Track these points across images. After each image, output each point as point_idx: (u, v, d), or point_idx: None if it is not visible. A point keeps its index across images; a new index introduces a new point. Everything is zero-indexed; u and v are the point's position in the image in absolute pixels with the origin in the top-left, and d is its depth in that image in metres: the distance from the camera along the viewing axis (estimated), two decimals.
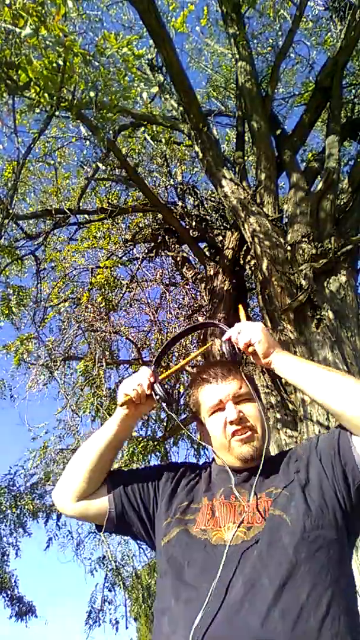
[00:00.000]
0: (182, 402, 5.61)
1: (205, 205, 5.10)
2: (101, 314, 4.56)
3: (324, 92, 3.97)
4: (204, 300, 4.27)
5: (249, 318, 1.22)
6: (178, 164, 5.57)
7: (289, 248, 3.26)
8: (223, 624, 0.81)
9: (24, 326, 5.24)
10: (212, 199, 5.13)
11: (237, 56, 3.88)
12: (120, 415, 1.12)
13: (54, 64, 2.32)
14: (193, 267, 4.86)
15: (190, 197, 5.16)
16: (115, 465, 1.28)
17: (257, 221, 3.38)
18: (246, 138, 4.53)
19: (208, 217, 4.96)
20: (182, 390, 5.57)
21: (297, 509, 0.93)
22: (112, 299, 4.70)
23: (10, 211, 3.83)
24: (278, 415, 3.02)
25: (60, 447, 5.29)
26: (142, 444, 5.15)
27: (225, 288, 4.09)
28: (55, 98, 2.51)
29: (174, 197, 5.28)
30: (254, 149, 3.97)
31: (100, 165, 4.28)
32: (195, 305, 4.42)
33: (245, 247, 4.20)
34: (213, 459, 1.19)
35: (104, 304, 4.59)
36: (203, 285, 4.40)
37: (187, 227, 4.72)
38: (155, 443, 5.32)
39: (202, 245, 4.92)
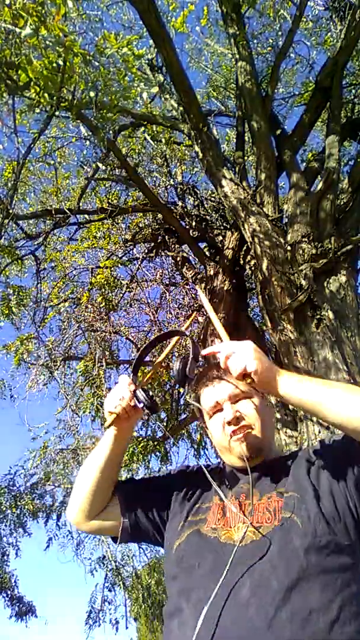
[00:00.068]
0: (181, 401, 5.62)
1: (205, 205, 5.10)
2: (101, 314, 4.56)
3: (324, 92, 3.97)
4: None
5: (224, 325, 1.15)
6: (178, 164, 5.57)
7: (289, 248, 3.25)
8: (230, 625, 0.81)
9: (24, 326, 5.25)
10: (212, 199, 5.13)
11: (237, 56, 3.88)
12: (112, 435, 1.10)
13: (54, 64, 2.32)
14: (193, 267, 4.86)
15: (190, 197, 5.17)
16: None
17: (257, 221, 3.38)
18: (246, 138, 4.53)
19: (208, 217, 4.96)
20: (182, 391, 5.57)
21: (308, 512, 0.92)
22: (112, 299, 4.71)
23: (10, 211, 3.83)
24: (278, 415, 3.02)
25: (60, 447, 5.30)
26: (142, 444, 5.15)
27: (225, 288, 4.09)
28: (55, 98, 2.51)
29: (174, 197, 5.28)
30: (254, 149, 3.97)
31: (100, 165, 4.28)
32: (195, 305, 4.42)
33: (245, 247, 4.20)
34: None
35: (104, 304, 4.60)
36: (203, 285, 4.40)
37: (187, 227, 4.72)
38: (155, 443, 5.32)
39: (202, 245, 4.92)
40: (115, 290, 4.80)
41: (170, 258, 5.06)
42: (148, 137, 5.17)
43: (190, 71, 7.45)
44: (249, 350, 0.96)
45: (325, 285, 3.12)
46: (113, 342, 4.96)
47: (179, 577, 0.96)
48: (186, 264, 4.86)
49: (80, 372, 4.84)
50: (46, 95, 2.43)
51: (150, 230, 5.00)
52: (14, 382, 5.70)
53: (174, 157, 5.50)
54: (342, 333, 2.89)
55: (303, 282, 3.01)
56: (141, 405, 1.07)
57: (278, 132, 4.24)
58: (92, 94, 2.56)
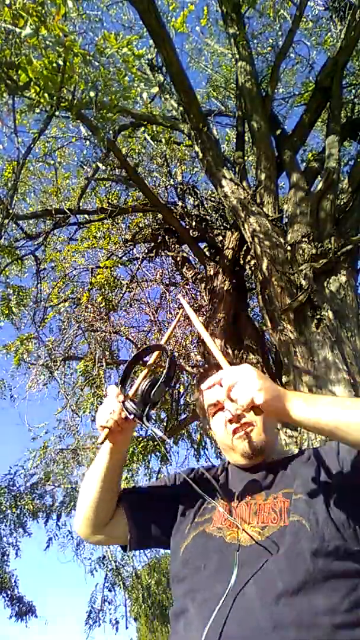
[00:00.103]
0: (182, 402, 5.62)
1: (205, 205, 5.10)
2: (101, 314, 4.56)
3: (324, 92, 3.97)
4: (204, 300, 4.27)
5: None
6: (178, 164, 5.57)
7: (289, 248, 3.25)
8: (235, 625, 0.81)
9: (24, 326, 5.25)
10: (212, 199, 5.13)
11: (237, 56, 3.88)
12: (107, 449, 1.08)
13: (54, 64, 2.32)
14: (193, 267, 4.86)
15: (190, 197, 5.16)
16: None
17: (257, 221, 3.38)
18: (246, 138, 4.53)
19: (208, 217, 4.96)
20: (182, 390, 5.58)
21: (317, 516, 0.91)
22: (112, 299, 4.71)
23: (10, 211, 3.83)
24: None
25: (60, 447, 5.30)
26: (142, 444, 5.15)
27: (225, 288, 4.09)
28: (55, 98, 2.51)
29: (174, 197, 5.28)
30: (254, 149, 3.97)
31: (100, 165, 4.28)
32: (195, 305, 4.42)
33: (245, 247, 4.20)
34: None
35: (104, 304, 4.60)
36: (203, 285, 4.40)
37: (187, 227, 4.72)
38: (155, 443, 5.32)
39: (202, 245, 4.92)
40: (115, 290, 4.80)
41: (170, 258, 5.06)
42: (148, 137, 5.17)
43: (190, 71, 7.47)
44: (252, 380, 0.87)
45: (325, 285, 3.12)
46: (113, 342, 4.96)
47: (186, 579, 0.96)
48: (186, 264, 4.86)
49: (80, 372, 4.84)
50: (46, 95, 2.43)
51: (150, 230, 5.00)
52: (14, 382, 5.71)
53: (174, 157, 5.49)
54: (342, 333, 2.89)
55: (303, 282, 3.01)
56: (131, 416, 1.03)
57: (278, 132, 4.24)
58: (92, 94, 2.56)
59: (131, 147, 5.37)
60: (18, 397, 5.55)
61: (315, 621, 0.78)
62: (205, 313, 4.15)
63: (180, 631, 0.89)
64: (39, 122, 3.66)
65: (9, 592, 7.22)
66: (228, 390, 0.89)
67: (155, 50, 4.04)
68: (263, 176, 3.64)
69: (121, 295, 4.83)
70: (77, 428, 4.89)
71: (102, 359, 4.57)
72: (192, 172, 5.72)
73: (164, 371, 1.05)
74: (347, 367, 2.72)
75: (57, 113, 3.08)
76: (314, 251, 3.14)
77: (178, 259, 4.86)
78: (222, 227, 4.81)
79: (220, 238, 4.72)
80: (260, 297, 3.37)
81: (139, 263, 4.93)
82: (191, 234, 4.64)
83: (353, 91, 5.03)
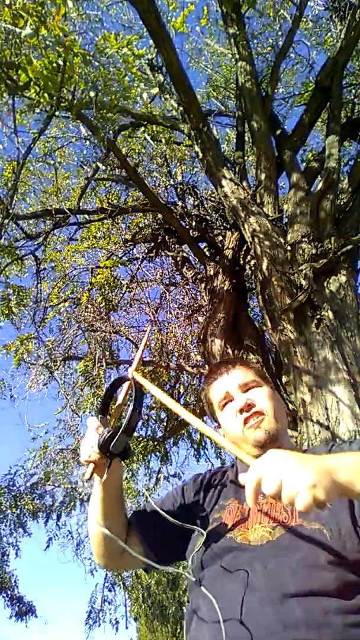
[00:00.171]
0: (182, 402, 5.61)
1: (205, 205, 5.10)
2: (101, 314, 4.56)
3: (324, 92, 3.97)
4: (204, 300, 4.27)
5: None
6: (178, 164, 5.57)
7: (289, 248, 3.25)
8: (246, 625, 0.81)
9: (24, 326, 5.25)
10: (212, 199, 5.13)
11: (237, 56, 3.88)
12: (99, 482, 1.05)
13: (54, 64, 2.32)
14: (193, 267, 4.86)
15: (190, 197, 5.16)
16: None
17: (257, 221, 3.38)
18: (246, 138, 4.53)
19: (208, 217, 4.96)
20: (182, 390, 5.58)
21: (339, 526, 0.88)
22: (112, 299, 4.71)
23: (10, 211, 3.83)
24: None
25: (60, 447, 5.30)
26: (142, 444, 5.15)
27: (225, 288, 4.09)
28: (55, 98, 2.51)
29: (174, 197, 5.28)
30: (254, 149, 3.96)
31: (100, 165, 4.28)
32: (195, 305, 4.42)
33: (245, 247, 4.20)
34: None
35: (104, 304, 4.60)
36: (203, 285, 4.40)
37: (187, 227, 4.72)
38: (155, 443, 5.32)
39: (202, 245, 4.92)
40: (115, 290, 4.80)
41: (170, 258, 5.06)
42: (148, 137, 5.17)
43: (190, 71, 7.46)
44: (297, 474, 0.72)
45: (325, 285, 3.12)
46: (113, 342, 4.96)
47: (200, 580, 0.96)
48: (186, 264, 4.86)
49: (80, 372, 4.84)
50: (46, 95, 2.43)
51: (150, 230, 5.00)
52: (14, 382, 5.72)
53: (174, 157, 5.50)
54: (342, 333, 2.89)
55: (303, 282, 3.01)
56: (115, 452, 1.00)
57: (278, 132, 4.24)
58: (92, 94, 2.56)
59: (131, 147, 5.37)
60: (18, 397, 5.56)
61: (326, 621, 0.77)
62: (205, 313, 4.15)
63: (192, 630, 0.90)
64: (39, 122, 3.66)
65: (9, 592, 7.22)
66: (277, 494, 0.73)
67: (155, 50, 4.04)
68: (263, 176, 3.64)
69: (121, 295, 4.83)
70: (77, 428, 4.89)
71: (102, 359, 4.57)
72: (192, 172, 5.72)
73: (128, 415, 1.02)
74: (347, 367, 2.71)
75: (57, 113, 3.08)
76: (314, 251, 3.14)
77: (178, 259, 4.86)
78: (222, 227, 4.81)
79: (220, 238, 4.72)
80: (260, 297, 3.37)
81: (139, 263, 4.93)
82: (191, 234, 4.64)
83: (353, 91, 5.02)
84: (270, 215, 3.49)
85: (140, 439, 5.16)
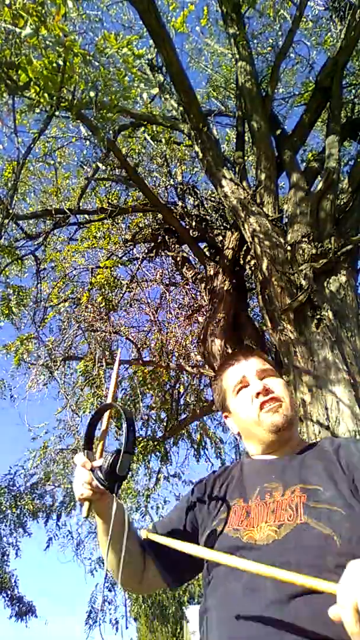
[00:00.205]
0: (182, 402, 5.62)
1: (205, 205, 5.10)
2: (101, 314, 4.56)
3: (324, 92, 3.97)
4: (204, 300, 4.27)
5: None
6: (178, 164, 5.57)
7: (289, 248, 3.25)
8: (252, 625, 0.81)
9: (24, 326, 5.25)
10: (212, 199, 5.13)
11: (237, 56, 3.88)
12: (99, 519, 1.04)
13: (54, 64, 2.32)
14: (193, 267, 4.86)
15: (190, 197, 5.17)
16: None
17: (257, 221, 3.38)
18: (246, 138, 4.53)
19: (208, 217, 4.96)
20: (182, 390, 5.57)
21: (350, 533, 0.85)
22: (112, 299, 4.71)
23: (10, 211, 3.83)
24: None
25: (60, 447, 5.30)
26: (142, 444, 5.15)
27: (225, 288, 4.09)
28: (55, 98, 2.51)
29: (174, 197, 5.28)
30: (254, 149, 3.97)
31: (100, 165, 4.28)
32: (195, 305, 4.42)
33: (245, 247, 4.20)
34: (246, 453, 1.18)
35: (104, 304, 4.60)
36: (203, 285, 4.40)
37: (187, 227, 4.72)
38: (155, 443, 5.32)
39: (202, 245, 4.92)
40: (115, 290, 4.80)
41: (170, 258, 5.06)
42: (148, 137, 5.17)
43: (190, 71, 7.46)
44: None
45: (325, 285, 3.12)
46: (113, 342, 4.96)
47: (209, 581, 0.96)
48: (186, 264, 4.86)
49: (80, 372, 4.84)
50: (46, 95, 2.43)
51: (150, 230, 5.00)
52: (14, 382, 5.72)
53: (174, 157, 5.50)
54: (342, 333, 2.89)
55: (303, 282, 3.01)
56: (102, 486, 0.97)
57: (278, 132, 4.24)
58: (92, 94, 2.56)
59: (131, 147, 5.37)
60: (18, 397, 5.57)
61: (331, 621, 0.75)
62: (205, 313, 4.15)
63: (204, 630, 0.91)
64: (39, 122, 3.66)
65: (9, 592, 7.23)
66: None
67: (155, 50, 4.04)
68: (263, 176, 3.64)
69: (121, 295, 4.83)
70: (77, 428, 4.89)
71: (102, 359, 4.57)
72: (192, 172, 5.72)
73: (124, 436, 1.00)
74: (347, 367, 2.72)
75: (57, 113, 3.08)
76: (314, 251, 3.14)
77: (178, 259, 4.86)
78: (222, 227, 4.81)
79: (220, 238, 4.72)
80: (260, 297, 3.37)
81: (139, 263, 4.93)
82: (191, 234, 4.65)
83: (353, 91, 5.03)
84: (270, 215, 3.49)
85: (140, 439, 5.16)
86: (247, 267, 4.22)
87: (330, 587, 0.69)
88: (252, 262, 3.75)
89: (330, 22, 4.96)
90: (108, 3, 4.81)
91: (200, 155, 3.76)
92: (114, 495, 0.99)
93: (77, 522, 6.24)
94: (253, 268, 3.74)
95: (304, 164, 4.59)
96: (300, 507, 0.92)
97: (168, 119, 4.44)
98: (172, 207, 4.86)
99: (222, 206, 4.82)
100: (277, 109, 5.28)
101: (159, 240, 4.90)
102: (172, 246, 4.72)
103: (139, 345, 4.72)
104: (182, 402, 5.57)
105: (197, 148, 3.77)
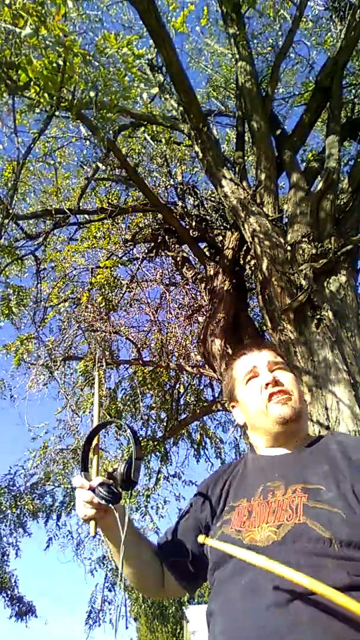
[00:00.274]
0: (182, 402, 5.62)
1: (205, 205, 5.10)
2: (101, 314, 4.56)
3: (324, 92, 3.97)
4: (204, 300, 4.27)
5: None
6: (178, 164, 5.57)
7: (289, 248, 3.25)
8: (252, 627, 0.81)
9: (24, 326, 5.25)
10: (212, 199, 5.13)
11: (237, 56, 3.88)
12: (108, 535, 1.06)
13: (54, 64, 2.32)
14: (193, 267, 4.86)
15: (190, 197, 5.17)
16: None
17: (257, 221, 3.38)
18: (246, 138, 4.53)
19: (208, 217, 4.96)
20: (182, 390, 5.58)
21: (352, 539, 0.85)
22: (112, 299, 4.71)
23: (10, 211, 3.83)
24: None
25: (60, 447, 5.30)
26: (142, 444, 5.15)
27: (225, 288, 4.09)
28: (55, 98, 2.51)
29: (174, 197, 5.29)
30: (254, 149, 3.96)
31: (100, 165, 4.28)
32: (195, 305, 4.42)
33: (245, 247, 4.20)
34: (250, 448, 1.17)
35: (104, 304, 4.60)
36: (203, 285, 4.40)
37: (187, 227, 4.72)
38: (155, 443, 5.32)
39: (202, 245, 4.92)
40: (115, 290, 4.80)
41: (170, 258, 5.06)
42: (148, 137, 5.17)
43: (190, 71, 7.46)
44: None
45: (325, 285, 3.12)
46: (113, 342, 4.97)
47: (213, 583, 0.97)
48: (186, 264, 4.86)
49: (80, 372, 4.85)
50: (46, 95, 2.43)
51: (150, 230, 5.00)
52: (14, 382, 5.72)
53: (174, 157, 5.49)
54: (342, 333, 2.89)
55: (303, 282, 3.01)
56: (103, 503, 1.00)
57: (278, 132, 4.24)
58: (92, 94, 2.56)
59: (131, 147, 5.37)
60: (18, 397, 5.56)
61: (332, 623, 0.76)
62: (205, 313, 4.15)
63: (210, 633, 0.92)
64: (39, 122, 3.66)
65: (9, 592, 7.22)
66: None
67: (155, 50, 4.04)
68: (263, 176, 3.64)
69: (121, 295, 4.83)
70: (77, 428, 4.89)
71: (102, 359, 4.57)
72: (192, 172, 5.72)
73: (133, 446, 1.03)
74: (347, 367, 2.72)
75: (57, 113, 3.08)
76: (314, 251, 3.14)
77: (178, 259, 4.86)
78: (222, 227, 4.81)
79: (220, 238, 4.72)
80: (260, 297, 3.37)
81: (139, 263, 4.93)
82: (191, 234, 4.65)
83: (353, 91, 5.02)
84: (270, 215, 3.49)
85: (141, 439, 5.15)
86: (247, 267, 4.22)
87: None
88: (252, 262, 3.75)
89: (330, 22, 4.95)
90: (108, 3, 4.81)
91: (200, 155, 3.76)
92: (116, 505, 1.01)
93: (77, 522, 6.25)
94: (253, 268, 3.74)
95: (304, 164, 4.59)
96: (300, 508, 0.91)
97: (168, 119, 4.44)
98: (172, 207, 4.86)
99: (222, 206, 4.82)
100: (277, 109, 5.29)
101: (159, 240, 4.90)
102: (172, 246, 4.72)
103: (139, 345, 4.72)
104: (182, 402, 5.57)
105: (197, 148, 3.77)
